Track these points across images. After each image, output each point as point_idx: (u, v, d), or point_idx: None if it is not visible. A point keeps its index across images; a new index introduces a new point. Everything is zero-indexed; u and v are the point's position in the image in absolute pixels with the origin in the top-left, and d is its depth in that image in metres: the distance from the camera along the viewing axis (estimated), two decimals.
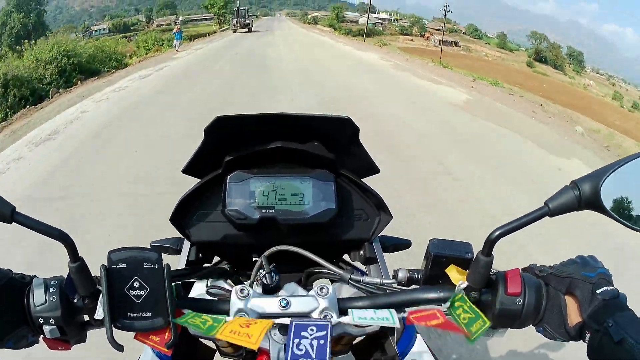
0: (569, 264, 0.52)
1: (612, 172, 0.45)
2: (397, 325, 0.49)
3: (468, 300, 0.50)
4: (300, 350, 0.46)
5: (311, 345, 0.46)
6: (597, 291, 0.47)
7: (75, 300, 0.52)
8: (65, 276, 0.52)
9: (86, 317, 0.53)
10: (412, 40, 52.73)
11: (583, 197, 0.45)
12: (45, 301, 0.49)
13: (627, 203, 0.47)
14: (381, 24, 61.69)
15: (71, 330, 0.52)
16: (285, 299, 0.54)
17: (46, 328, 0.50)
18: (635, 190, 0.47)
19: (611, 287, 0.47)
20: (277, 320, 0.51)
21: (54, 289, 0.50)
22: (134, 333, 0.50)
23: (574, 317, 0.49)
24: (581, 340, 0.48)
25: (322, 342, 0.46)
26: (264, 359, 0.64)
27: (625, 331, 0.42)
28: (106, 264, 0.48)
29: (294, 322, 0.48)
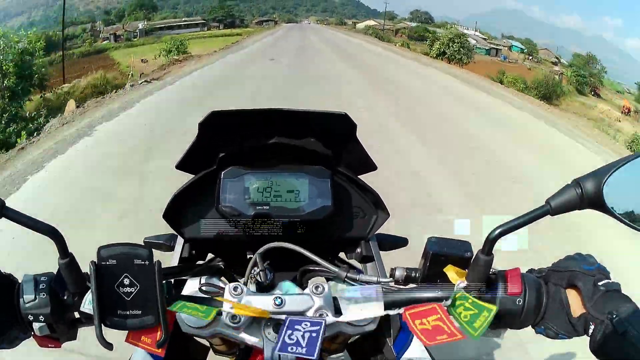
0: (567, 259, 0.52)
1: (615, 170, 0.45)
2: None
3: (470, 296, 0.49)
4: (292, 340, 0.46)
5: (303, 337, 0.46)
6: (599, 283, 0.47)
7: (65, 297, 0.50)
8: (55, 272, 0.51)
9: (77, 315, 0.52)
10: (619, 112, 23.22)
11: (586, 196, 0.44)
12: (35, 298, 0.49)
13: (630, 203, 0.47)
14: (496, 50, 36.52)
15: (61, 328, 0.51)
16: (279, 298, 0.53)
17: (36, 325, 0.49)
18: (637, 189, 0.47)
19: (611, 280, 0.47)
20: (272, 315, 0.50)
21: (43, 286, 0.49)
22: (125, 336, 0.49)
23: (577, 309, 0.48)
24: (584, 335, 0.48)
25: (314, 334, 0.46)
26: (259, 359, 0.63)
27: (629, 323, 0.43)
28: (96, 259, 0.46)
29: (288, 318, 0.48)
